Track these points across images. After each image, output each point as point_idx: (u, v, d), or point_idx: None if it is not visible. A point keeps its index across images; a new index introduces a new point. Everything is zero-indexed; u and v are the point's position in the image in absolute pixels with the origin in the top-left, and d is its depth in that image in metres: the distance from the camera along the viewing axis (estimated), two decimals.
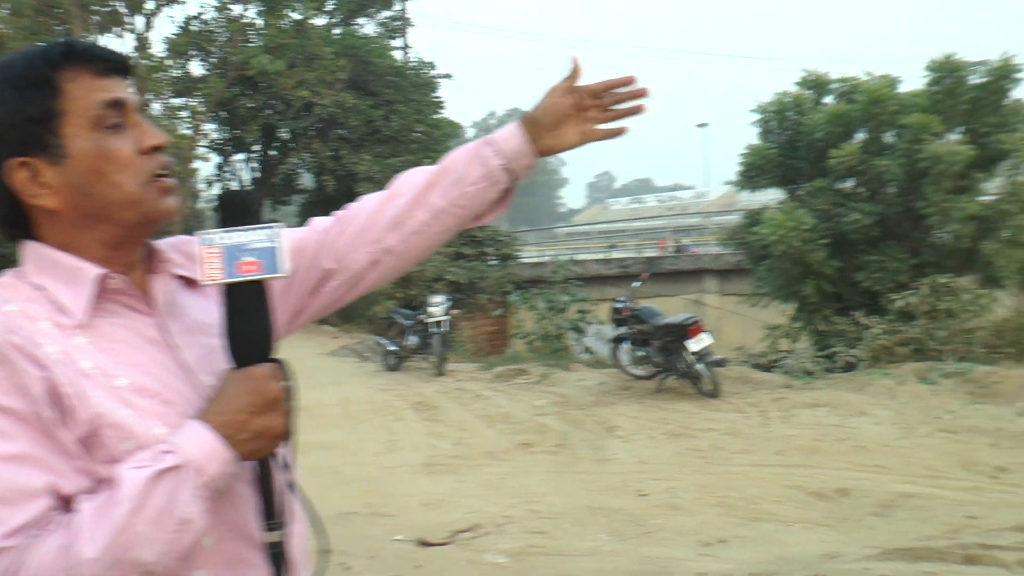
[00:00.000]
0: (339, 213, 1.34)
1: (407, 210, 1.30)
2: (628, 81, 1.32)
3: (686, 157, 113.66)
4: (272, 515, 1.08)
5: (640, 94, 1.33)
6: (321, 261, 1.29)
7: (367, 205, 1.32)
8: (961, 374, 9.09)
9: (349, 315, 16.48)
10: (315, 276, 1.29)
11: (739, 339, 14.72)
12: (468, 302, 16.86)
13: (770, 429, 7.89)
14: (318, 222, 1.34)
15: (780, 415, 8.28)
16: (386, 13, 22.18)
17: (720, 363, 9.32)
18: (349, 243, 1.29)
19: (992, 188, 12.34)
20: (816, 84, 13.23)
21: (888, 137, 12.38)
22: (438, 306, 11.79)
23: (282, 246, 1.07)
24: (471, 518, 5.81)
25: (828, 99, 13.18)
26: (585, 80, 1.31)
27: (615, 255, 26.64)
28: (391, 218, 1.30)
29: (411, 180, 1.33)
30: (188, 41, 17.09)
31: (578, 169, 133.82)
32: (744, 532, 5.53)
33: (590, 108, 1.32)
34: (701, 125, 66.79)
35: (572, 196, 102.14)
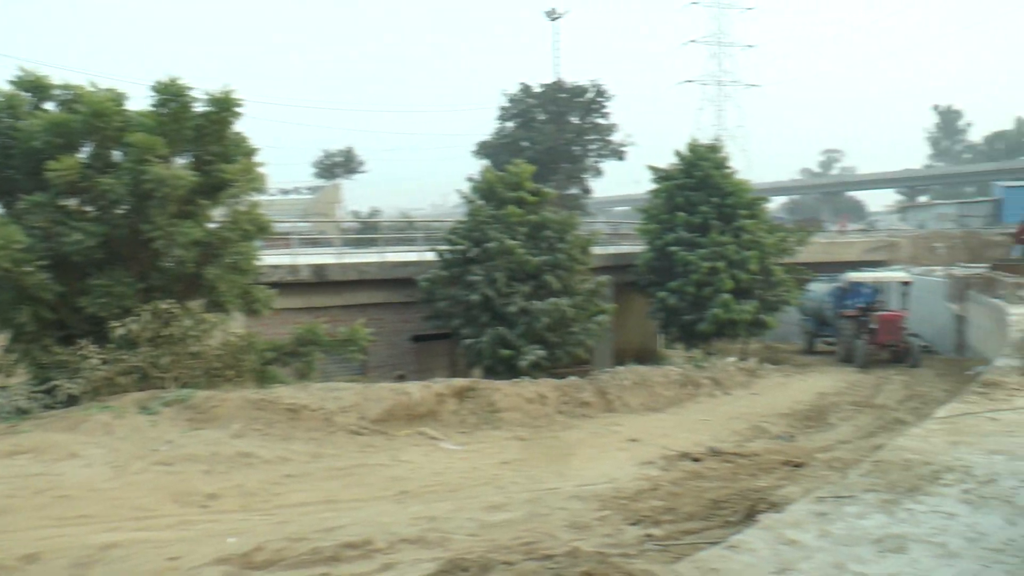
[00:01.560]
0: None
1: None
2: None
3: None
4: None
5: None
6: None
7: None
8: (182, 401, 9.02)
9: None
10: None
11: None
12: None
13: None
14: None
15: None
16: None
17: None
18: None
19: (217, 215, 12.72)
20: (35, 87, 11.95)
21: (115, 155, 11.79)
22: None
23: None
24: None
25: (49, 105, 12.01)
26: None
27: None
28: None
29: None
30: None
31: None
32: None
33: None
34: None
35: None
